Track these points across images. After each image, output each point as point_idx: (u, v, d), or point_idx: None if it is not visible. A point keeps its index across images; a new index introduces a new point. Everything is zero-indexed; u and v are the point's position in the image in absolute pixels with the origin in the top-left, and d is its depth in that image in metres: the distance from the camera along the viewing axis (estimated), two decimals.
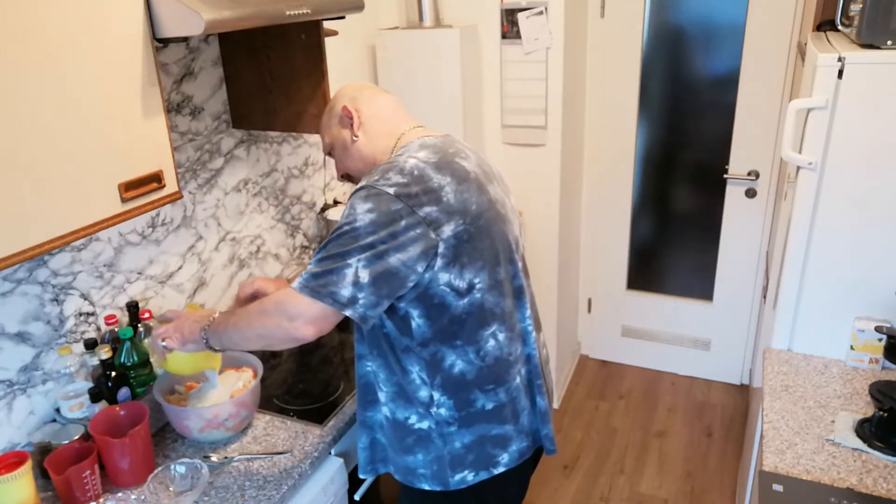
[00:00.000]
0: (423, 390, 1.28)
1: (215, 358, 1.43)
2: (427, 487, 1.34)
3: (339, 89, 1.43)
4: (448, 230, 1.18)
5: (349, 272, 1.12)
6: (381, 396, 1.34)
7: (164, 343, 1.32)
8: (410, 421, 1.32)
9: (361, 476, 1.45)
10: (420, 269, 1.17)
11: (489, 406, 1.30)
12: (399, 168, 1.19)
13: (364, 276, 1.13)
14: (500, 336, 1.30)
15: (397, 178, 1.18)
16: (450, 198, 1.19)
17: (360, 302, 1.14)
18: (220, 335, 1.25)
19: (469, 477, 1.32)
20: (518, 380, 1.35)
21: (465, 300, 1.23)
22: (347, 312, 1.14)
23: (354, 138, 1.36)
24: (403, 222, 1.14)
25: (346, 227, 1.15)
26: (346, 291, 1.12)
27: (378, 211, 1.14)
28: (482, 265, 1.24)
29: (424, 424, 1.31)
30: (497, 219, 1.29)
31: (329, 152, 1.44)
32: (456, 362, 1.27)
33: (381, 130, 1.36)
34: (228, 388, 1.54)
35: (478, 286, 1.24)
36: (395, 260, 1.14)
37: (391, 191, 1.16)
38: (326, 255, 1.15)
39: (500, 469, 1.34)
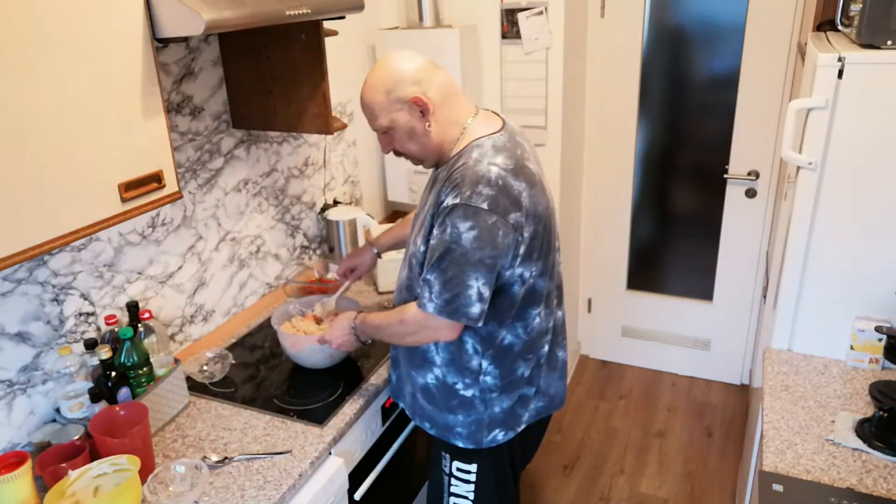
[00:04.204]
0: (474, 360, 1.44)
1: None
2: (461, 445, 1.51)
3: (387, 67, 1.36)
4: (527, 231, 1.35)
5: (473, 293, 1.31)
6: (437, 360, 1.48)
7: (339, 349, 1.64)
8: (458, 387, 1.47)
9: (394, 399, 1.68)
10: (507, 265, 1.35)
11: (526, 373, 1.48)
12: (486, 179, 1.30)
13: (486, 291, 1.32)
14: (543, 313, 1.47)
15: (487, 190, 1.29)
16: (526, 203, 1.33)
17: (484, 310, 1.34)
18: (372, 338, 1.57)
19: (499, 436, 1.50)
20: (546, 347, 1.51)
21: (525, 286, 1.40)
22: (479, 324, 1.35)
23: (428, 128, 1.38)
24: (500, 232, 1.29)
25: (453, 246, 1.30)
26: (476, 309, 1.33)
27: (479, 228, 1.28)
28: (540, 256, 1.40)
29: (469, 392, 1.47)
30: (552, 214, 1.44)
31: (384, 132, 1.41)
32: (506, 336, 1.43)
33: (449, 119, 1.40)
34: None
35: (535, 274, 1.41)
36: (500, 268, 1.33)
37: (485, 205, 1.28)
38: (447, 279, 1.31)
39: (522, 426, 1.52)
